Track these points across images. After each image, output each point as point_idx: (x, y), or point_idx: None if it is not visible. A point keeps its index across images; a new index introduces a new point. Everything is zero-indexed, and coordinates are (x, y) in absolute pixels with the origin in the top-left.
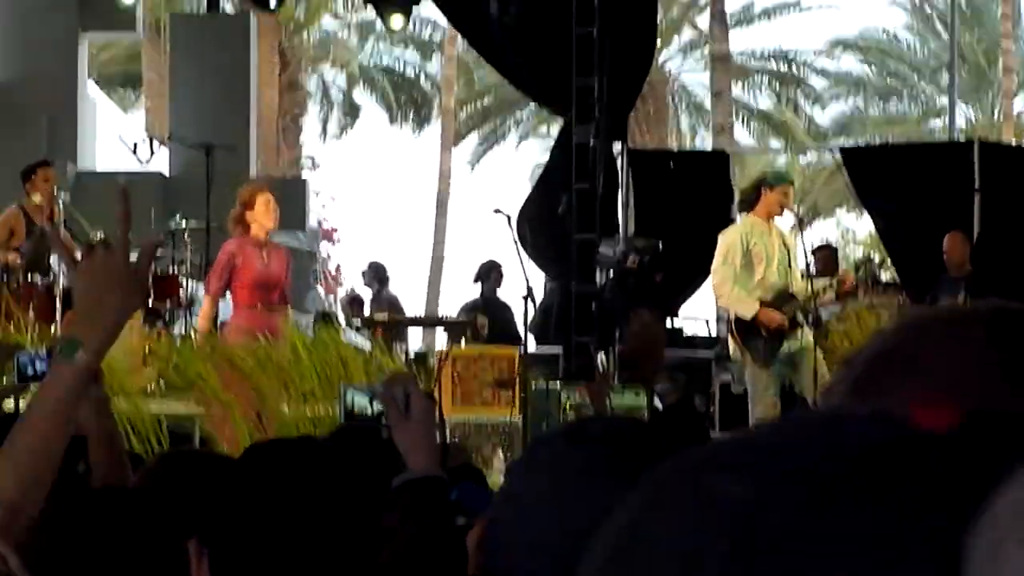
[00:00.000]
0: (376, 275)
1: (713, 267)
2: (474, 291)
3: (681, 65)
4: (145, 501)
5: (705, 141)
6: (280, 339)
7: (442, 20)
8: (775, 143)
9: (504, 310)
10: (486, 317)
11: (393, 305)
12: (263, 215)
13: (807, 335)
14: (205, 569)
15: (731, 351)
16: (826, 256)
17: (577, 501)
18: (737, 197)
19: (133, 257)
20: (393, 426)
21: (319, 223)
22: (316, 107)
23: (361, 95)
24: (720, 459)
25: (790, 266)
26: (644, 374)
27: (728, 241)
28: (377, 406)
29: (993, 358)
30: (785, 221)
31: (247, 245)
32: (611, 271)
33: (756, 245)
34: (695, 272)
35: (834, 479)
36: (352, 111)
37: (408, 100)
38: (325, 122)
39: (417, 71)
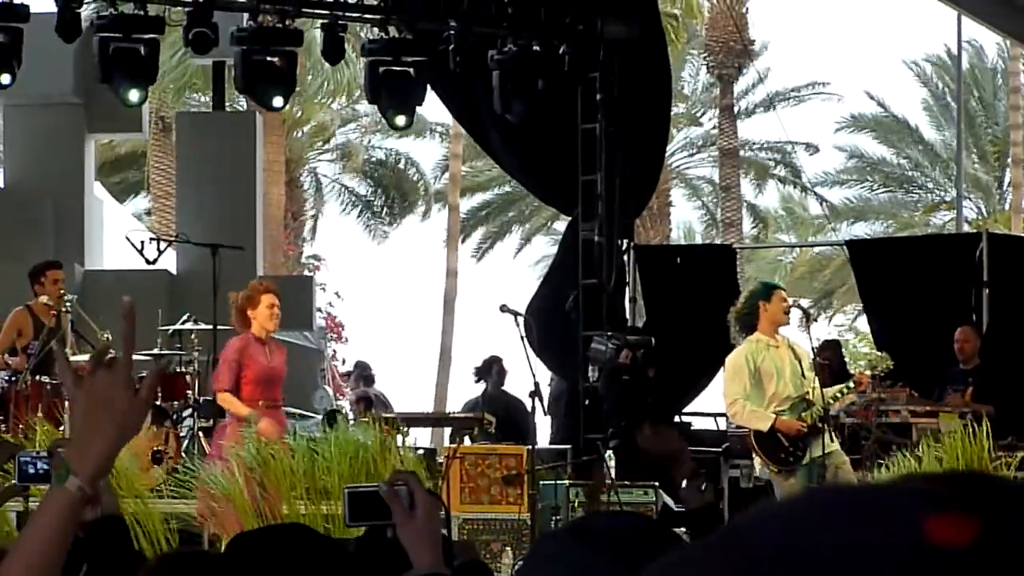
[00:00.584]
0: (361, 373)
1: (723, 390)
2: (479, 388)
3: (687, 160)
4: None
5: (709, 237)
6: (283, 435)
7: (445, 118)
8: (783, 237)
9: (512, 406)
10: (492, 414)
11: (381, 403)
12: (265, 318)
13: (832, 438)
14: None
15: (758, 468)
16: (831, 354)
17: None
18: (733, 325)
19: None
20: (398, 524)
21: (326, 320)
22: (315, 204)
23: (363, 189)
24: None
25: (804, 375)
26: (671, 477)
27: (735, 363)
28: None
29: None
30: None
31: (251, 341)
32: (603, 367)
33: (764, 362)
34: (703, 367)
35: None
36: (354, 207)
37: (410, 194)
38: (317, 219)
39: (419, 166)
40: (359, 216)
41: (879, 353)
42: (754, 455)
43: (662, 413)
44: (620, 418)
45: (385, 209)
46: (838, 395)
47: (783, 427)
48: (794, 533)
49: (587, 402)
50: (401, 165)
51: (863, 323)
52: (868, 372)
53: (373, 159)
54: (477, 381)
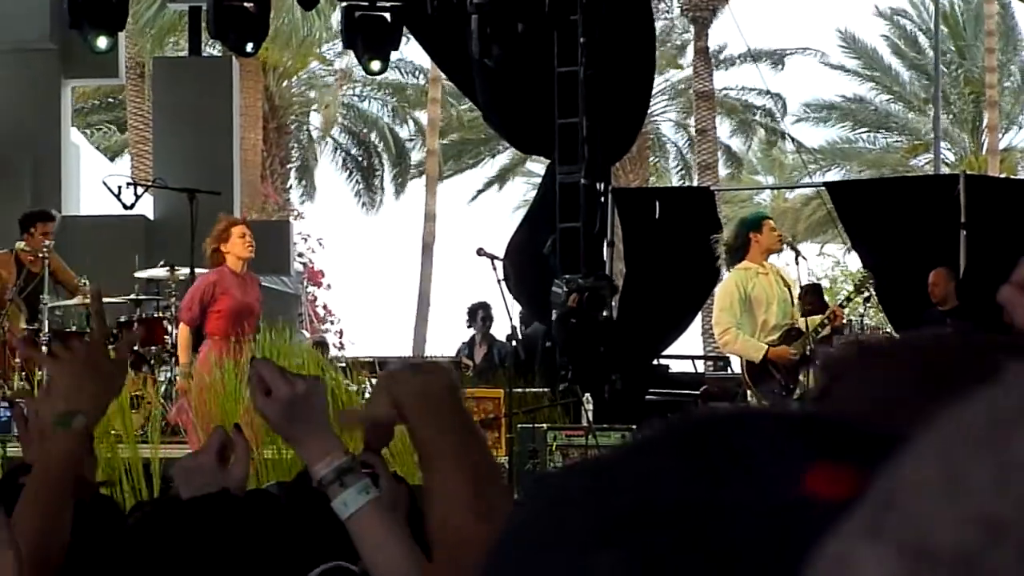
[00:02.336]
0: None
1: (714, 318)
2: (462, 333)
3: (665, 105)
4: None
5: (684, 181)
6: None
7: (425, 62)
8: (760, 179)
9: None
10: (472, 359)
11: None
12: (240, 248)
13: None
14: None
15: (749, 399)
16: (814, 298)
17: (577, 540)
18: (721, 252)
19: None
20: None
21: (305, 266)
22: (301, 151)
23: (346, 138)
24: (588, 518)
25: (793, 304)
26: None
27: (726, 290)
28: None
29: (930, 387)
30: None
31: (226, 275)
32: (557, 311)
33: (755, 289)
34: (683, 310)
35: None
36: (336, 154)
37: (391, 142)
38: (308, 164)
39: (402, 114)
40: (343, 166)
41: (862, 271)
42: (746, 386)
43: (626, 358)
44: (568, 361)
45: (366, 162)
46: (819, 328)
47: (776, 356)
48: (657, 486)
49: (548, 344)
50: (377, 111)
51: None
52: (844, 307)
53: (358, 109)
54: (469, 326)
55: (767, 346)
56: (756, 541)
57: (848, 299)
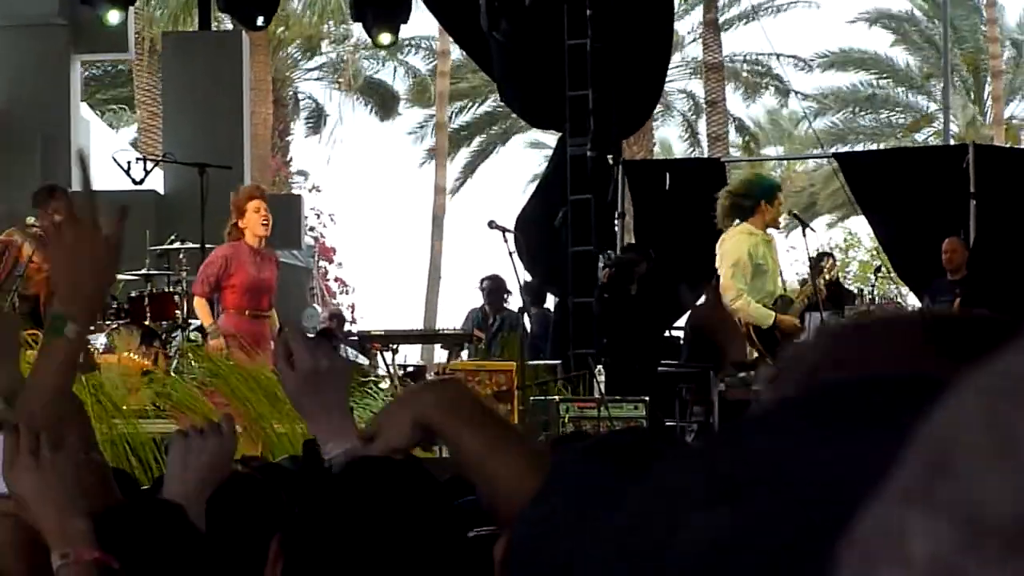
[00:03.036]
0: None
1: (724, 282)
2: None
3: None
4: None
5: (693, 151)
6: (266, 347)
7: (433, 33)
8: (770, 151)
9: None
10: (483, 330)
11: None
12: (255, 223)
13: None
14: (279, 571)
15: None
16: (830, 264)
17: (602, 517)
18: (725, 208)
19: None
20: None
21: (316, 240)
22: (304, 123)
23: (352, 108)
24: (696, 481)
25: (781, 276)
26: (717, 356)
27: (737, 257)
28: None
29: (929, 354)
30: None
31: (240, 250)
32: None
33: (764, 257)
34: (693, 281)
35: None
36: (342, 124)
37: (399, 111)
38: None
39: (410, 82)
40: (346, 134)
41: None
42: (751, 347)
43: (647, 332)
44: (601, 335)
45: (376, 126)
46: (808, 298)
47: (783, 324)
48: (768, 445)
49: (578, 318)
50: (388, 80)
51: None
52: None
53: (364, 78)
54: (486, 301)
55: (775, 313)
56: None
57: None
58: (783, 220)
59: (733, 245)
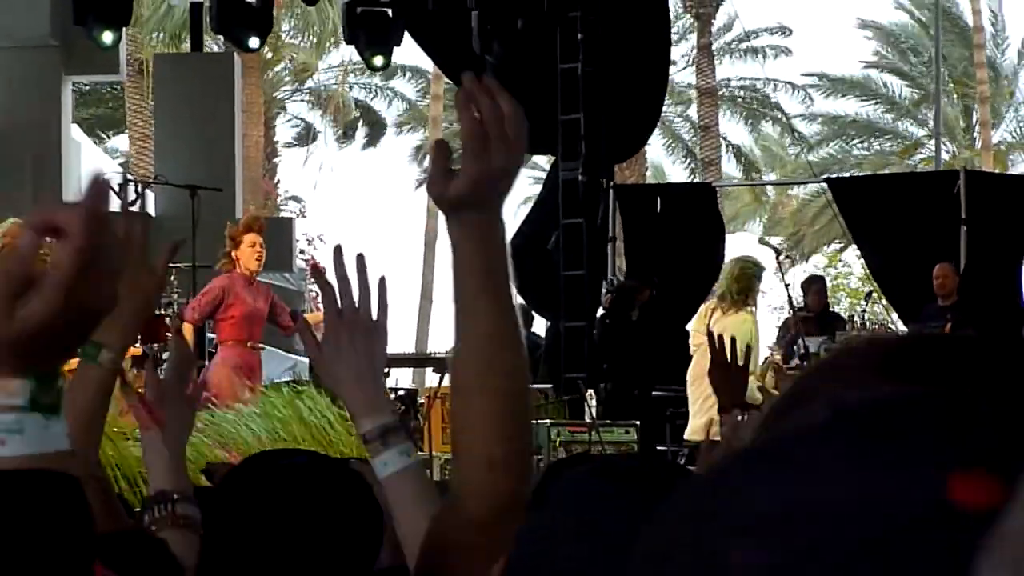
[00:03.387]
0: None
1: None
2: None
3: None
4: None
5: (694, 175)
6: (258, 379)
7: (421, 59)
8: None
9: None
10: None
11: None
12: (248, 257)
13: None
14: None
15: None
16: (819, 288)
17: (607, 536)
18: (728, 295)
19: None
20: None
21: (307, 262)
22: (294, 145)
23: (340, 131)
24: (728, 520)
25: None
26: (721, 400)
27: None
28: None
29: (879, 379)
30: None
31: (236, 281)
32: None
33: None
34: (684, 306)
35: (869, 554)
36: (330, 147)
37: (392, 133)
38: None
39: (401, 105)
40: (337, 156)
41: (865, 288)
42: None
43: (646, 357)
44: (602, 359)
45: (365, 151)
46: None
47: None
48: (788, 486)
49: (569, 342)
50: (379, 104)
51: (844, 259)
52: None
53: (356, 101)
54: None
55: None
56: (889, 538)
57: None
58: (769, 253)
59: (752, 328)
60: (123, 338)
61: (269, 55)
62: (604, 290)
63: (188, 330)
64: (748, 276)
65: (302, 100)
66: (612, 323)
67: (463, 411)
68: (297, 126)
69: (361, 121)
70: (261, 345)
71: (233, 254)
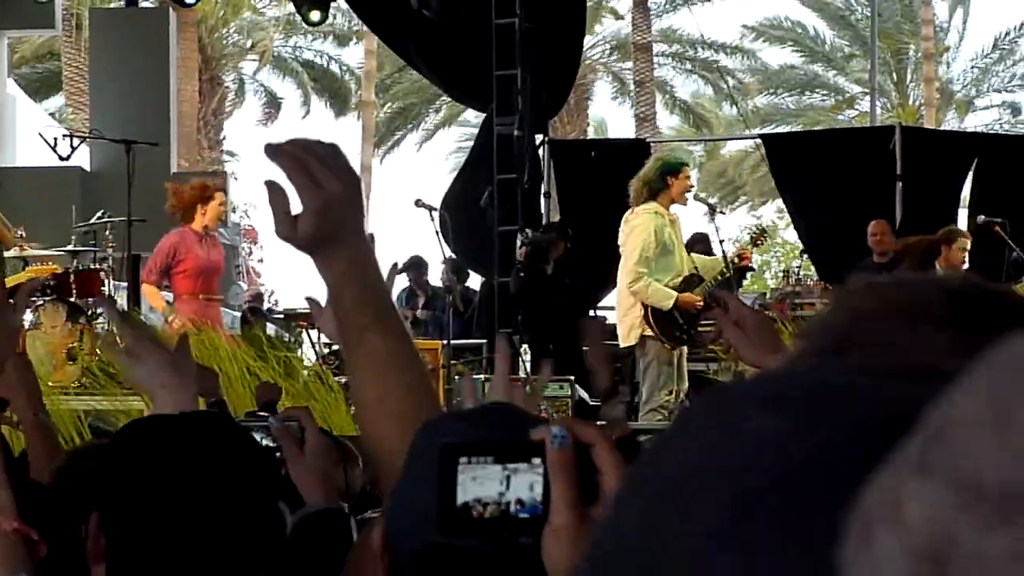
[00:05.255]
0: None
1: (624, 265)
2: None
3: (605, 55)
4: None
5: (626, 131)
6: (220, 330)
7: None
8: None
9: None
10: (412, 310)
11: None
12: (218, 214)
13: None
14: (101, 545)
15: (641, 343)
16: (703, 246)
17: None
18: (637, 191)
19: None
20: (289, 462)
21: (240, 222)
22: (237, 102)
23: (281, 88)
24: (754, 393)
25: (688, 253)
26: (599, 389)
27: (642, 238)
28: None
29: (955, 330)
30: (691, 210)
31: (188, 236)
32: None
33: (668, 236)
34: (618, 261)
35: (876, 428)
36: (273, 105)
37: (328, 92)
38: (244, 116)
39: (338, 63)
40: (277, 115)
41: (757, 225)
42: (645, 328)
43: (563, 311)
44: (517, 312)
45: (304, 107)
46: (719, 275)
47: (684, 303)
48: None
49: (503, 297)
50: (323, 63)
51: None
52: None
53: (294, 58)
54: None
55: (676, 293)
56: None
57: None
58: (699, 206)
59: (640, 226)
60: None
61: (222, 13)
62: (519, 243)
63: (151, 290)
64: (649, 172)
65: (253, 58)
66: (527, 276)
67: (370, 430)
68: (258, 92)
69: (297, 75)
70: (219, 296)
71: (199, 207)
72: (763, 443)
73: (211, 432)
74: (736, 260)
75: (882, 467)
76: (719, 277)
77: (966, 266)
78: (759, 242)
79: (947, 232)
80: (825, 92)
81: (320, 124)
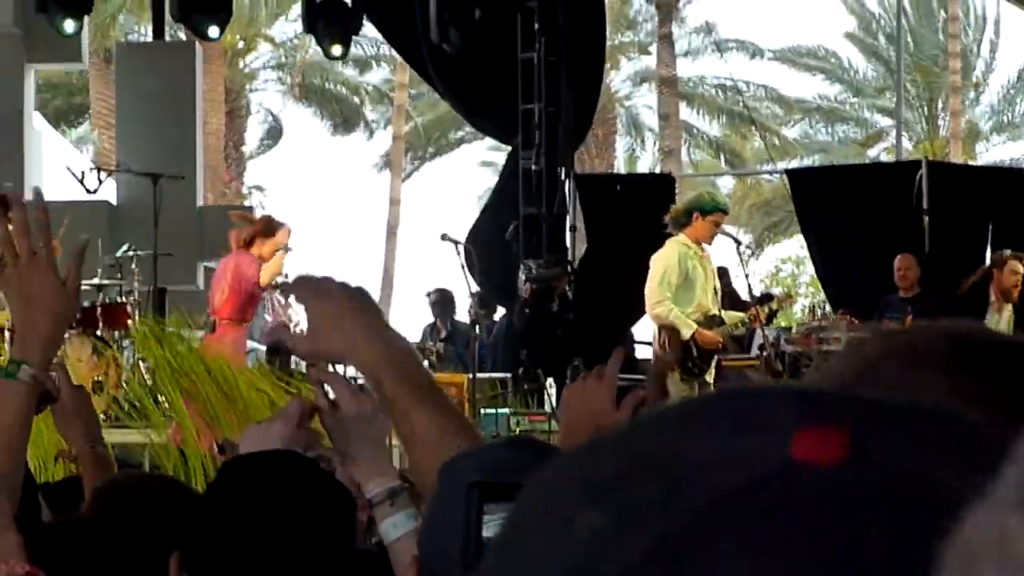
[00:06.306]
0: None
1: (650, 288)
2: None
3: (632, 90)
4: (99, 529)
5: (652, 166)
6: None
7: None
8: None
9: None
10: (434, 344)
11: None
12: (273, 260)
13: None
14: None
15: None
16: (723, 281)
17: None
18: (670, 216)
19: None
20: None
21: None
22: (258, 133)
23: (305, 118)
24: (576, 488)
25: (716, 293)
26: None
27: (666, 261)
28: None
29: (953, 368)
30: (721, 248)
31: (253, 261)
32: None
33: (694, 268)
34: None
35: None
36: (296, 135)
37: (354, 121)
38: (267, 147)
39: (363, 92)
40: (301, 145)
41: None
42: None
43: (582, 343)
44: (523, 348)
45: (331, 136)
46: (739, 324)
47: (701, 339)
48: (654, 444)
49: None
50: (345, 92)
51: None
52: (764, 310)
53: (324, 88)
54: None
55: (696, 325)
56: (736, 493)
57: (772, 313)
58: (727, 242)
59: (665, 253)
60: (42, 354)
61: (240, 44)
62: (522, 279)
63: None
64: (681, 205)
65: (277, 89)
66: (532, 314)
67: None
68: (266, 120)
69: (327, 105)
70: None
71: (258, 241)
72: (579, 542)
73: (295, 474)
74: (748, 320)
75: (976, 502)
76: (738, 325)
77: (1018, 289)
78: (773, 316)
79: (997, 257)
80: (854, 125)
81: (342, 152)
